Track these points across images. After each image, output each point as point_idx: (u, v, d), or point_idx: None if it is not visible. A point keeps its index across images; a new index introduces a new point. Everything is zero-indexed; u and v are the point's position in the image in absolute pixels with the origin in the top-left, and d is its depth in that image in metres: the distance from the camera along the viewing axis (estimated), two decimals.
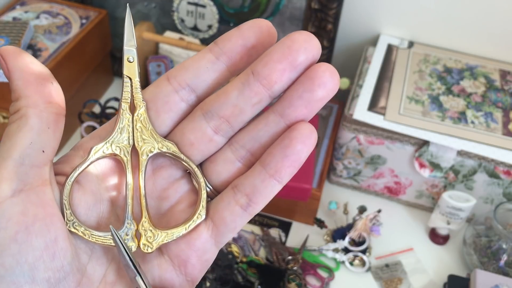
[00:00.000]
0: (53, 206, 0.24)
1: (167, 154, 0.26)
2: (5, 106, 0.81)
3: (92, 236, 0.25)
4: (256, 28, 0.25)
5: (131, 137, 0.26)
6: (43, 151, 0.23)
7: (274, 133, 0.25)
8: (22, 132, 0.23)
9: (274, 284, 0.69)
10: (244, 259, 0.72)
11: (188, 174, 0.27)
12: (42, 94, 0.24)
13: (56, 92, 0.25)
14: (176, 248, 0.26)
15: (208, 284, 0.68)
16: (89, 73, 0.91)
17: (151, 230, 0.26)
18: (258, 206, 0.26)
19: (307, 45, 0.24)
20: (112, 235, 0.25)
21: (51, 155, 0.24)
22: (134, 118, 0.26)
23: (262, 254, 0.74)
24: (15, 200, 0.22)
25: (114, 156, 0.26)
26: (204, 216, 0.26)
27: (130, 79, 0.26)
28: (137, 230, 0.26)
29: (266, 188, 0.25)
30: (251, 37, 0.25)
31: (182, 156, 0.26)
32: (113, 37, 0.98)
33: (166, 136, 0.27)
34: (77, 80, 0.87)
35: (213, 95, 0.26)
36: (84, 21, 0.88)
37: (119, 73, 1.01)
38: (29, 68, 0.24)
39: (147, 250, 0.26)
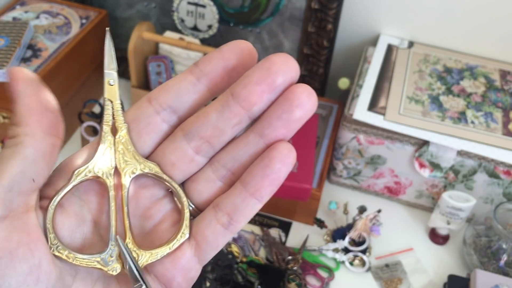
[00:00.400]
0: (38, 231, 0.24)
1: (149, 175, 0.27)
2: (5, 106, 0.81)
3: (76, 259, 0.25)
4: (236, 50, 0.25)
5: (113, 159, 0.26)
6: (33, 180, 0.24)
7: (254, 153, 0.26)
8: (15, 160, 0.23)
9: (274, 284, 0.69)
10: (244, 259, 0.72)
11: (170, 193, 0.28)
12: (42, 124, 0.24)
13: (56, 124, 0.25)
14: (162, 268, 0.27)
15: (208, 284, 0.68)
16: (89, 73, 0.91)
17: (135, 251, 0.26)
18: (239, 224, 0.26)
19: (285, 67, 0.24)
20: (119, 246, 0.26)
21: (40, 183, 0.25)
22: (116, 140, 0.26)
23: (262, 254, 0.74)
24: (2, 225, 0.23)
25: (97, 179, 0.27)
26: (187, 235, 0.27)
27: (111, 101, 0.27)
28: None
29: (247, 207, 0.26)
30: (232, 59, 0.25)
31: (164, 176, 0.27)
32: (113, 37, 0.97)
33: (148, 157, 0.27)
34: (77, 80, 0.87)
35: (193, 116, 0.26)
36: (84, 21, 0.88)
37: (119, 73, 1.01)
38: (35, 96, 0.24)
39: None
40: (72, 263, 0.25)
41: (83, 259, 0.25)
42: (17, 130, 0.24)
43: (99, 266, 0.26)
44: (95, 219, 0.27)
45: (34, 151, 0.23)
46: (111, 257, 0.26)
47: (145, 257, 0.26)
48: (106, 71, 0.27)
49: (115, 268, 0.26)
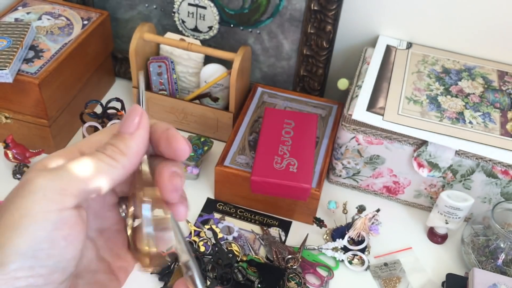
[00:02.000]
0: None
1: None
2: (8, 106, 0.82)
3: None
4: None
5: None
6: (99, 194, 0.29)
7: None
8: (105, 175, 0.28)
9: (274, 283, 0.70)
10: (244, 258, 0.73)
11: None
12: (134, 168, 0.30)
13: (134, 171, 0.31)
14: None
15: (208, 283, 0.68)
16: (91, 73, 0.91)
17: None
18: None
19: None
20: (171, 220, 0.30)
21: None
22: None
23: (262, 253, 0.75)
24: (73, 212, 0.27)
25: None
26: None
27: None
28: None
29: None
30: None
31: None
32: (115, 38, 0.98)
33: None
34: (79, 80, 0.87)
35: None
36: (85, 22, 0.89)
37: (120, 74, 1.01)
38: (144, 144, 0.29)
39: None
40: None
41: None
42: (119, 157, 0.29)
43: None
44: None
45: (117, 180, 0.29)
46: None
47: None
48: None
49: None
